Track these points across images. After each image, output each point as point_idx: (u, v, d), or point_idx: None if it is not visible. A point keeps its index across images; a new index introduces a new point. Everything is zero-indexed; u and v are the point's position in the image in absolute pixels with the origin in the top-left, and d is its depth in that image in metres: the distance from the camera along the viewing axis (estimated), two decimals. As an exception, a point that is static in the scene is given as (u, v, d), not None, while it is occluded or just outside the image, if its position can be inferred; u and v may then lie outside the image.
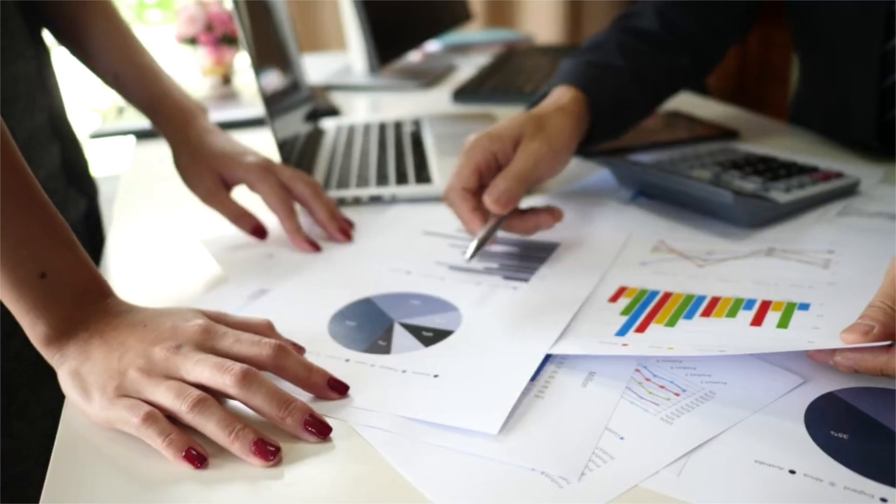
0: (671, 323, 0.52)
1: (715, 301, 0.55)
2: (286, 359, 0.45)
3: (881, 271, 0.49)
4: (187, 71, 1.50)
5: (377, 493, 0.38)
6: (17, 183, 0.47)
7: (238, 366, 0.43)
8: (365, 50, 1.31)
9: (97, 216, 0.86)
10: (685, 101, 1.16)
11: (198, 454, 0.40)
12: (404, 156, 0.91)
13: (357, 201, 0.79)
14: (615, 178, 0.81)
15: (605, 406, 0.44)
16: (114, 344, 0.46)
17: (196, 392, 0.42)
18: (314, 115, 1.10)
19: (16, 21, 0.70)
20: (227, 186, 0.71)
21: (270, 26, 0.97)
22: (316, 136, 1.02)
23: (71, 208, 0.78)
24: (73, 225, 0.77)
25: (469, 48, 1.76)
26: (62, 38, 0.78)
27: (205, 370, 0.43)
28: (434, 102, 1.27)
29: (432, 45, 1.74)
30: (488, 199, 0.62)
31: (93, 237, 0.84)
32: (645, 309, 0.54)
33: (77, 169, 0.81)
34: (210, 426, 0.41)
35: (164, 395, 0.42)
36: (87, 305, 0.48)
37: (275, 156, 0.76)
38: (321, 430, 0.42)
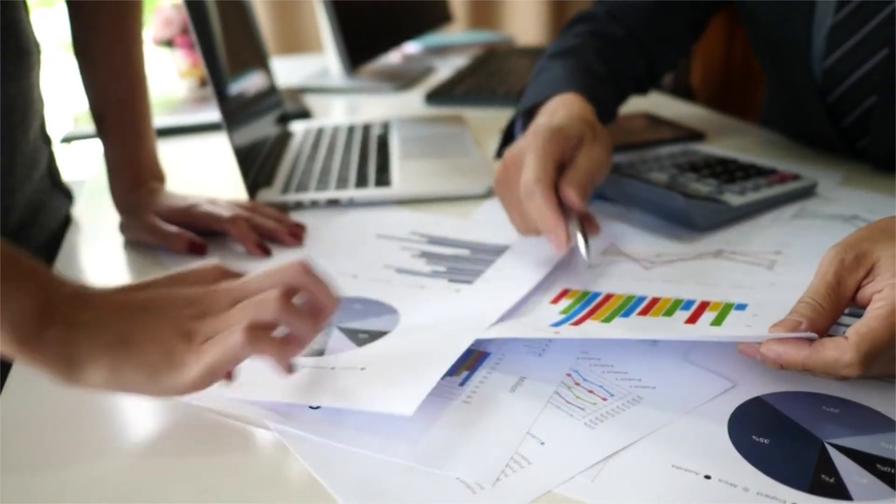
0: (608, 320, 0.52)
1: (654, 301, 0.55)
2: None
3: None
4: (164, 73, 1.50)
5: (290, 497, 0.38)
6: None
7: (273, 293, 0.43)
8: (336, 52, 1.31)
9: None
10: (655, 103, 1.16)
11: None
12: (368, 159, 0.91)
13: (314, 204, 0.79)
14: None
15: (530, 411, 0.44)
16: (135, 315, 0.42)
17: (273, 293, 0.43)
18: (285, 119, 1.10)
19: (30, 27, 0.70)
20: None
21: (238, 29, 0.97)
22: (283, 139, 1.02)
23: (61, 207, 0.78)
24: (61, 225, 0.78)
25: (448, 50, 1.76)
26: (75, 42, 0.78)
27: (262, 285, 0.44)
28: (408, 105, 1.27)
29: (412, 47, 1.74)
30: (572, 190, 0.60)
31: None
32: (584, 308, 0.54)
33: (57, 171, 0.81)
34: (298, 318, 0.43)
35: (242, 314, 0.42)
36: (45, 289, 0.42)
37: (232, 161, 0.76)
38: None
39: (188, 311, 0.43)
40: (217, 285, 0.45)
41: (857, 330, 0.41)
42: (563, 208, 0.60)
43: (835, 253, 0.46)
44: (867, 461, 0.39)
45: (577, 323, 0.51)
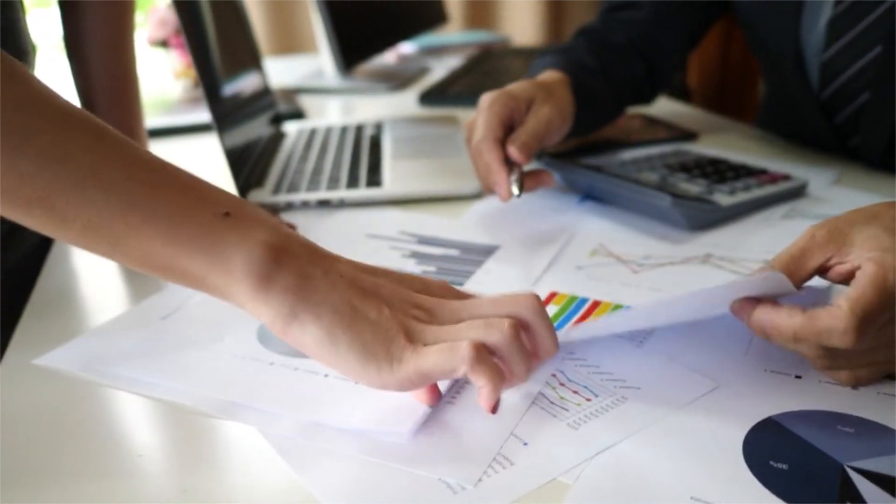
0: None
1: None
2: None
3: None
4: (159, 74, 1.50)
5: (273, 498, 0.38)
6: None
7: (506, 321, 0.41)
8: (330, 53, 1.31)
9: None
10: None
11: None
12: (360, 159, 0.91)
13: (305, 205, 0.79)
14: (563, 182, 0.80)
15: (514, 412, 0.44)
16: (366, 293, 0.42)
17: (506, 321, 0.41)
18: (279, 119, 1.10)
19: (26, 28, 0.70)
20: None
21: (231, 29, 0.97)
22: (276, 139, 1.02)
23: None
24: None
25: (444, 50, 1.76)
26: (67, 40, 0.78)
27: (489, 311, 0.42)
28: (402, 105, 1.26)
29: (407, 47, 1.74)
30: (514, 147, 0.68)
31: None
32: (571, 319, 0.54)
33: None
34: (521, 354, 0.41)
35: (476, 332, 0.40)
36: (281, 235, 0.42)
37: (223, 162, 0.76)
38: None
39: (415, 312, 0.42)
40: (447, 300, 0.44)
41: (848, 296, 0.41)
42: (510, 164, 0.68)
43: (808, 229, 0.46)
44: (891, 485, 0.37)
45: None
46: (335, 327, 0.40)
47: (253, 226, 0.41)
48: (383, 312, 0.41)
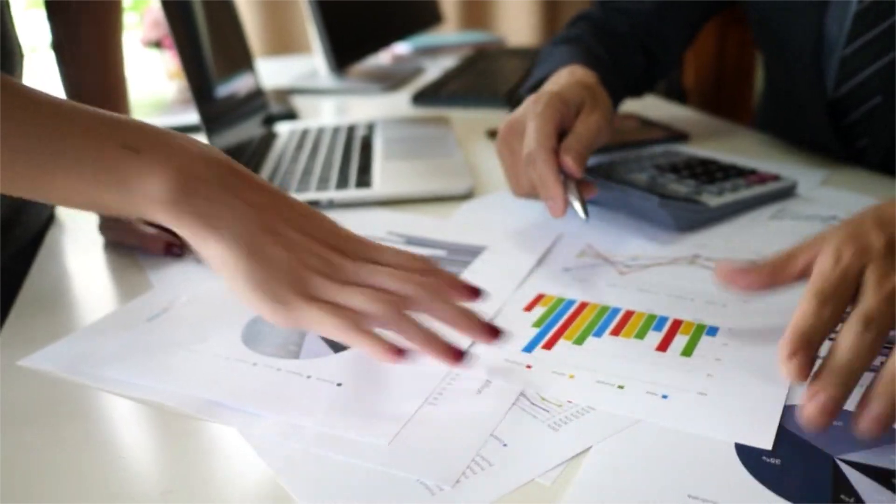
0: (580, 341, 0.51)
1: (628, 316, 0.54)
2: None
3: (795, 290, 0.50)
4: (153, 75, 1.50)
5: (253, 499, 0.38)
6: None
7: (421, 278, 0.45)
8: (323, 53, 1.31)
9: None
10: (644, 105, 1.16)
11: (402, 348, 0.43)
12: (350, 160, 0.91)
13: (294, 206, 0.79)
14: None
15: (495, 413, 0.44)
16: (273, 222, 0.45)
17: (393, 297, 0.44)
18: (271, 120, 1.10)
19: (13, 30, 0.70)
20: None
21: (222, 30, 0.97)
22: (268, 140, 1.02)
23: (44, 208, 0.79)
24: (45, 224, 0.78)
25: (439, 50, 1.76)
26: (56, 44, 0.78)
27: (391, 281, 0.45)
28: (395, 106, 1.27)
29: (402, 48, 1.75)
30: (569, 158, 0.63)
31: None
32: (557, 322, 0.54)
33: None
34: (416, 330, 0.43)
35: (362, 302, 0.43)
36: (192, 158, 0.45)
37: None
38: (496, 333, 0.45)
39: (315, 263, 0.45)
40: (358, 260, 0.46)
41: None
42: (561, 174, 0.63)
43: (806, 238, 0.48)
44: (883, 477, 0.38)
45: (549, 345, 0.51)
46: (235, 254, 0.43)
47: (161, 154, 0.44)
48: (281, 254, 0.44)
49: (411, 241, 0.69)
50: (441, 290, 0.46)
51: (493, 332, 0.45)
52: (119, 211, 0.45)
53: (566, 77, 0.74)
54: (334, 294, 0.44)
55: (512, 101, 0.84)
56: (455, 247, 0.67)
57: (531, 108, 0.66)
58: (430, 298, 0.45)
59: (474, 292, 0.47)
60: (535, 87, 0.78)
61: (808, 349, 0.41)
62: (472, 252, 0.66)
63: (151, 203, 0.43)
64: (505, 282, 0.60)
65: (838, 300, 0.42)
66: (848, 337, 0.40)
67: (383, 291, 0.44)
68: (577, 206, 0.62)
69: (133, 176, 0.43)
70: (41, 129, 0.43)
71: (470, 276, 0.62)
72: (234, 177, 0.46)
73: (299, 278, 0.44)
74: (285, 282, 0.43)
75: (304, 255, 0.45)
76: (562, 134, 0.66)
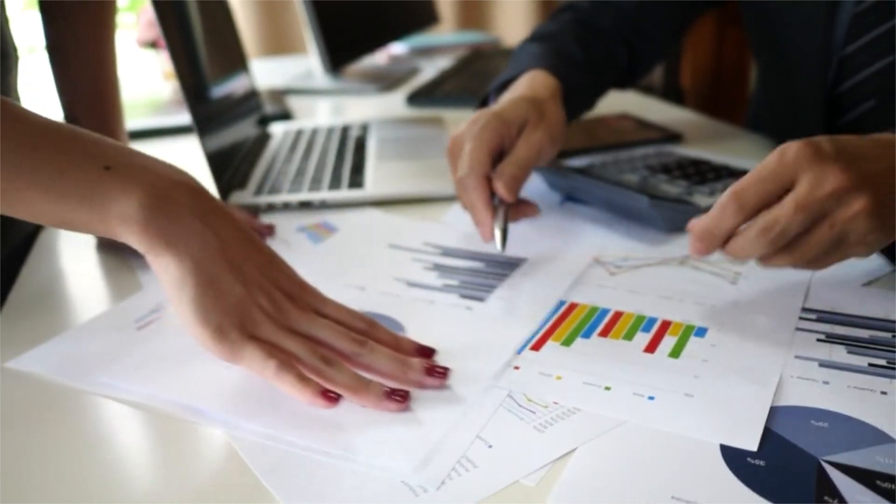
0: (568, 342, 0.51)
1: (617, 317, 0.54)
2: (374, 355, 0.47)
3: (783, 292, 0.51)
4: (148, 75, 1.50)
5: (239, 499, 0.38)
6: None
7: (355, 335, 0.47)
8: (318, 53, 1.31)
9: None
10: (636, 103, 1.16)
11: (332, 393, 0.44)
12: (343, 160, 0.91)
13: (286, 206, 0.79)
14: (544, 183, 0.80)
15: (481, 414, 0.44)
16: (236, 257, 0.46)
17: (328, 351, 0.46)
18: (265, 120, 1.10)
19: (8, 31, 0.70)
20: None
21: (216, 31, 0.97)
22: (262, 141, 1.02)
23: None
24: (37, 228, 0.77)
25: (435, 51, 1.76)
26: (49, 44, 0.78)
27: (329, 334, 0.47)
28: (390, 106, 1.27)
29: (398, 48, 1.75)
30: (501, 184, 0.63)
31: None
32: (548, 322, 0.54)
33: None
34: (343, 378, 0.44)
35: (297, 348, 0.45)
36: (166, 182, 0.46)
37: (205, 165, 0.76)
38: (443, 374, 0.46)
39: (264, 303, 0.46)
40: (305, 310, 0.47)
41: None
42: (495, 198, 0.63)
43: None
44: (866, 478, 0.38)
45: (538, 346, 0.51)
46: (188, 280, 0.44)
47: (135, 176, 0.45)
48: (235, 288, 0.45)
49: (447, 252, 0.67)
50: (376, 348, 0.47)
51: (436, 374, 0.46)
52: (88, 229, 0.45)
53: (521, 89, 0.74)
54: (273, 335, 0.45)
55: (480, 100, 0.84)
56: (493, 259, 0.65)
57: (469, 129, 0.66)
58: (360, 353, 0.46)
59: (420, 351, 0.49)
60: (502, 88, 0.78)
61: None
62: (510, 265, 0.64)
63: (123, 223, 0.44)
64: (540, 299, 0.58)
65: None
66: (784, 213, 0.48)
67: (320, 343, 0.46)
68: (498, 235, 0.62)
69: (110, 197, 0.44)
70: (17, 144, 0.43)
71: (508, 291, 0.59)
72: (207, 206, 0.47)
73: (246, 314, 0.45)
74: (232, 315, 0.44)
75: (256, 294, 0.46)
76: (501, 153, 0.66)
